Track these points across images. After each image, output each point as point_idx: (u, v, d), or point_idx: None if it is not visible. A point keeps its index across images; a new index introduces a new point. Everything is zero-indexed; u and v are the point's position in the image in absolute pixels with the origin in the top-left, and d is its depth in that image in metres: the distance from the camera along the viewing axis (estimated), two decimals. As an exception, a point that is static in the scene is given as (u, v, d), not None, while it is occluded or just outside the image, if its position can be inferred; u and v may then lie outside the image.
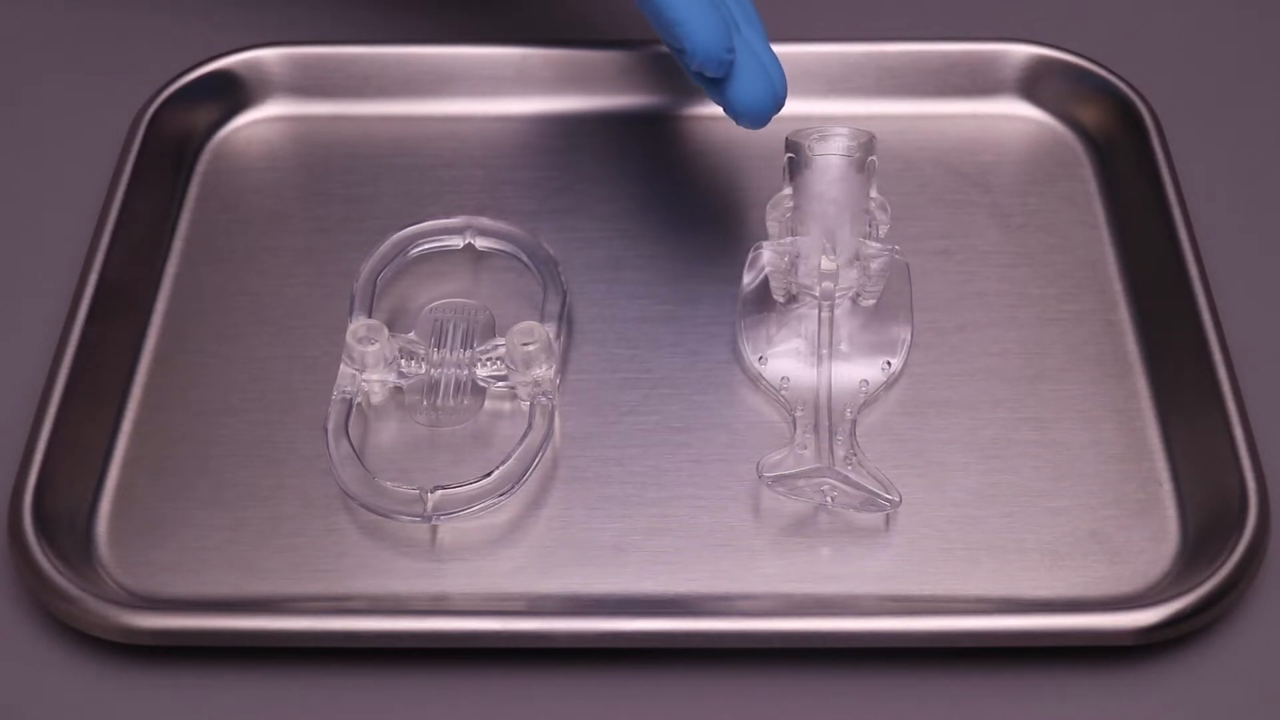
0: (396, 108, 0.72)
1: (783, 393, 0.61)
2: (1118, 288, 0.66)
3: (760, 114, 0.59)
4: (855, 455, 0.58)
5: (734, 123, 0.59)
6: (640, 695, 0.55)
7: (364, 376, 0.61)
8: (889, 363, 0.62)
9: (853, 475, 0.57)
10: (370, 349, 0.60)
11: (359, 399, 0.61)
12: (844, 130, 0.64)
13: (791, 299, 0.63)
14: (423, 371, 0.61)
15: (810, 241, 0.62)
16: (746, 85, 0.58)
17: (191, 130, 0.71)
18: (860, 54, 0.72)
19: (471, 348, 0.62)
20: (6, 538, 0.57)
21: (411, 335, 0.62)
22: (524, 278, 0.65)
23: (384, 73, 0.72)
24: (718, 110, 0.71)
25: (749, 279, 0.63)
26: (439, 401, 0.61)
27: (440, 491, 0.57)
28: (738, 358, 0.63)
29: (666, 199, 0.69)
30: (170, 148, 0.70)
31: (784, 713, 0.54)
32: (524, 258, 0.65)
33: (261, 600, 0.56)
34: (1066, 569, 0.57)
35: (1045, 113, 0.72)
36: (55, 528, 0.57)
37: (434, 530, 0.58)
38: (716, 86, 0.59)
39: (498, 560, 0.57)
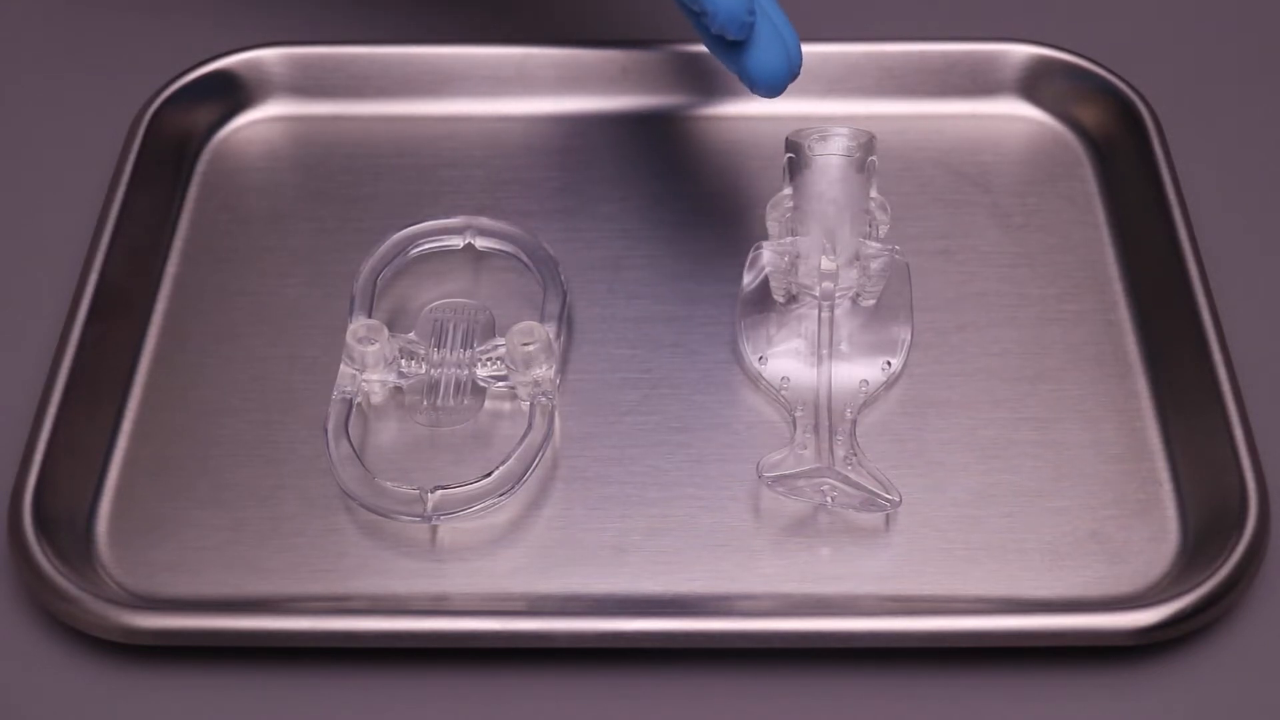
0: (396, 108, 0.72)
1: (783, 393, 0.61)
2: (1118, 288, 0.66)
3: (777, 83, 0.58)
4: (855, 455, 0.58)
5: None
6: (640, 695, 0.55)
7: (364, 376, 0.61)
8: (889, 363, 0.62)
9: (853, 475, 0.57)
10: (370, 349, 0.60)
11: (359, 399, 0.61)
12: (844, 130, 0.64)
13: (791, 299, 0.63)
14: (423, 371, 0.61)
15: (810, 241, 0.62)
16: (764, 53, 0.57)
17: (191, 130, 0.71)
18: (860, 54, 0.72)
19: (471, 348, 0.62)
20: (6, 538, 0.57)
21: (411, 335, 0.62)
22: (524, 278, 0.65)
23: (384, 73, 0.72)
24: (718, 110, 0.72)
25: (749, 279, 0.63)
26: (439, 401, 0.61)
27: (440, 491, 0.57)
28: (738, 358, 0.63)
29: (666, 199, 0.69)
30: (170, 148, 0.70)
31: (784, 713, 0.54)
32: (524, 258, 0.65)
33: (261, 600, 0.56)
34: (1066, 569, 0.57)
35: (1045, 113, 0.72)
36: (55, 528, 0.57)
37: (434, 530, 0.58)
38: (733, 54, 0.58)
39: (498, 560, 0.57)
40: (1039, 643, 0.54)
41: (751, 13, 0.56)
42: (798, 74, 0.58)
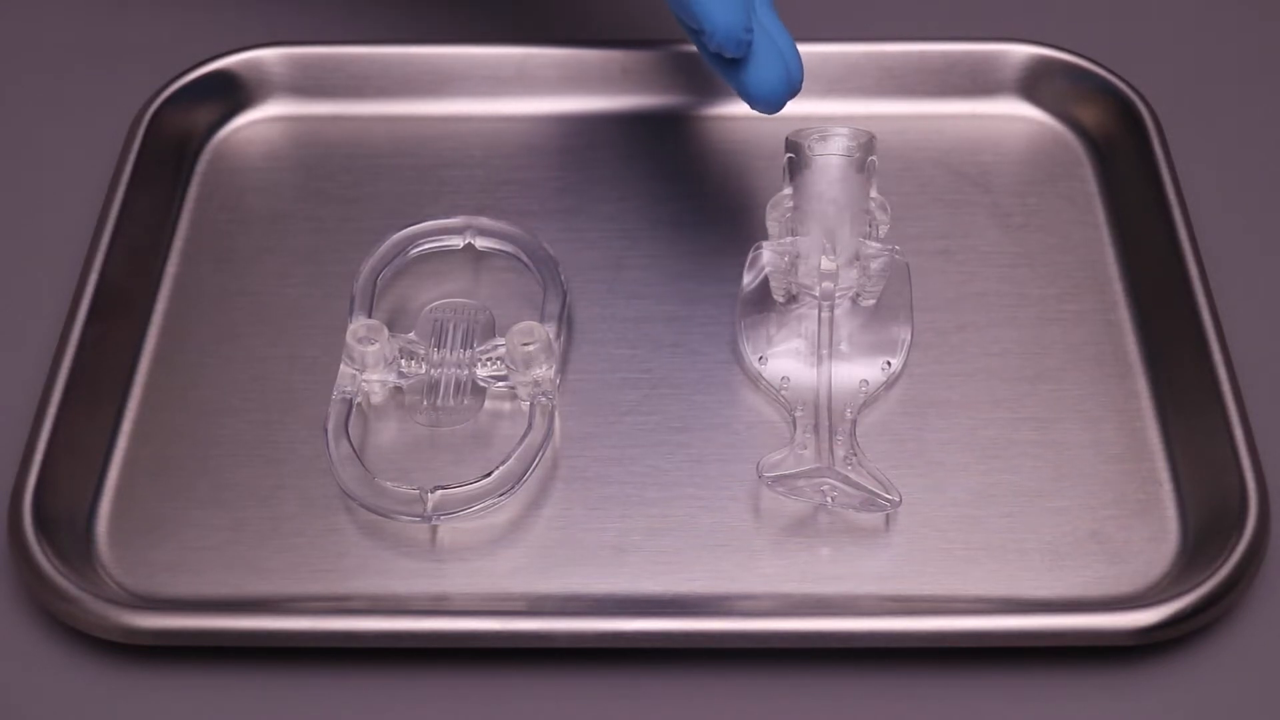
0: (396, 108, 0.72)
1: (783, 393, 0.61)
2: (1118, 288, 0.66)
3: (776, 100, 0.58)
4: (855, 455, 0.58)
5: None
6: (640, 695, 0.55)
7: (364, 376, 0.61)
8: (889, 363, 0.62)
9: (853, 475, 0.57)
10: (370, 349, 0.60)
11: (359, 399, 0.61)
12: (844, 130, 0.64)
13: (791, 299, 0.63)
14: (423, 371, 0.61)
15: (810, 241, 0.62)
16: (762, 70, 0.57)
17: (191, 130, 0.71)
18: (860, 54, 0.72)
19: (471, 348, 0.62)
20: (6, 538, 0.57)
21: (411, 335, 0.62)
22: (524, 278, 0.65)
23: (384, 73, 0.72)
24: (719, 111, 0.72)
25: (749, 279, 0.63)
26: (439, 401, 0.61)
27: (440, 491, 0.57)
28: (738, 358, 0.63)
29: (666, 199, 0.69)
30: (170, 148, 0.70)
31: (784, 713, 0.54)
32: (524, 258, 0.65)
33: (261, 600, 0.56)
34: (1066, 569, 0.57)
35: (1045, 113, 0.72)
36: (55, 528, 0.57)
37: (434, 530, 0.58)
38: (732, 70, 0.58)
39: (498, 560, 0.57)
40: (1039, 643, 0.54)
41: (749, 30, 0.56)
42: (798, 90, 0.59)
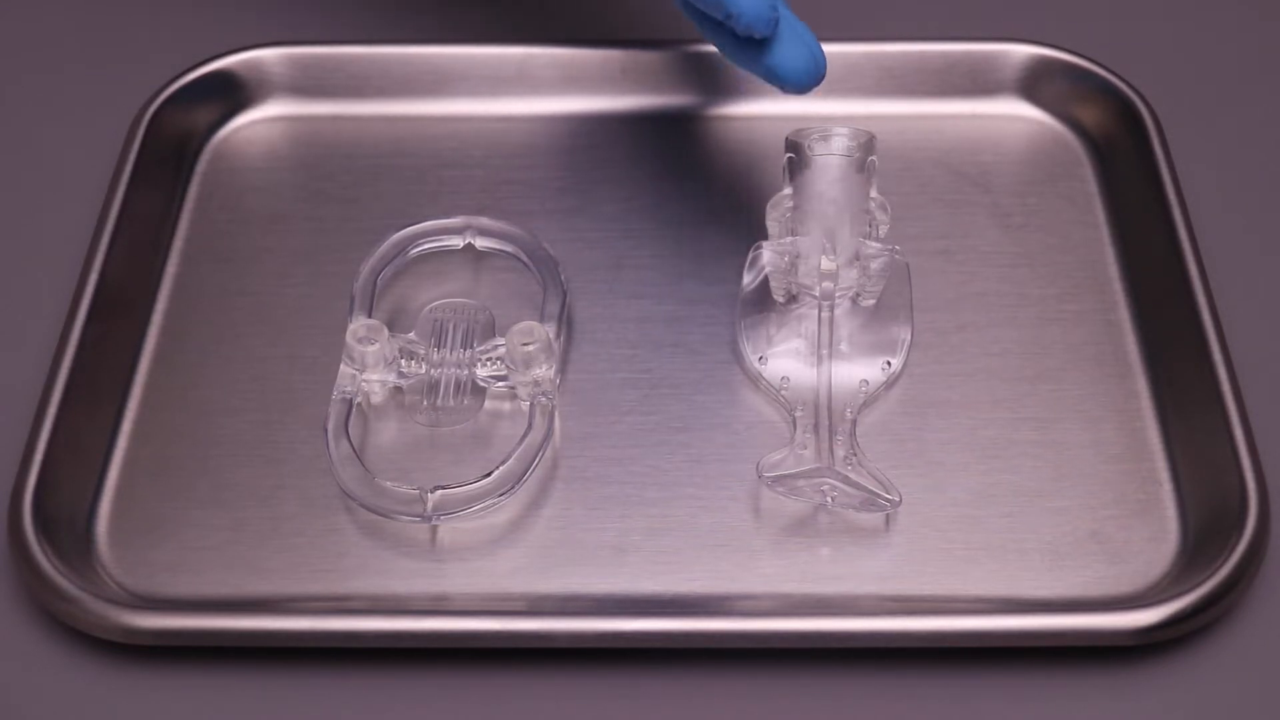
0: (396, 108, 0.72)
1: (783, 393, 0.61)
2: (1118, 288, 0.66)
3: (805, 78, 0.58)
4: (855, 455, 0.58)
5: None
6: (640, 695, 0.55)
7: (364, 376, 0.61)
8: (889, 363, 0.62)
9: (853, 475, 0.57)
10: (370, 349, 0.60)
11: (359, 399, 0.61)
12: (844, 130, 0.64)
13: (791, 299, 0.63)
14: (423, 371, 0.61)
15: (810, 241, 0.62)
16: (788, 49, 0.57)
17: (191, 130, 0.71)
18: (860, 54, 0.72)
19: (471, 348, 0.62)
20: (6, 538, 0.57)
21: (411, 335, 0.62)
22: (524, 278, 0.65)
23: (384, 73, 0.72)
24: (719, 111, 0.72)
25: (749, 279, 0.63)
26: (439, 401, 0.61)
27: (440, 491, 0.57)
28: (738, 358, 0.63)
29: (666, 199, 0.69)
30: (170, 148, 0.70)
31: (784, 713, 0.54)
32: (524, 258, 0.65)
33: (261, 600, 0.56)
34: (1066, 569, 0.57)
35: (1045, 113, 0.72)
36: (55, 528, 0.57)
37: (434, 530, 0.58)
38: (759, 55, 0.58)
39: (498, 560, 0.57)
40: (1039, 643, 0.54)
41: (774, 9, 0.56)
42: (824, 73, 0.58)
